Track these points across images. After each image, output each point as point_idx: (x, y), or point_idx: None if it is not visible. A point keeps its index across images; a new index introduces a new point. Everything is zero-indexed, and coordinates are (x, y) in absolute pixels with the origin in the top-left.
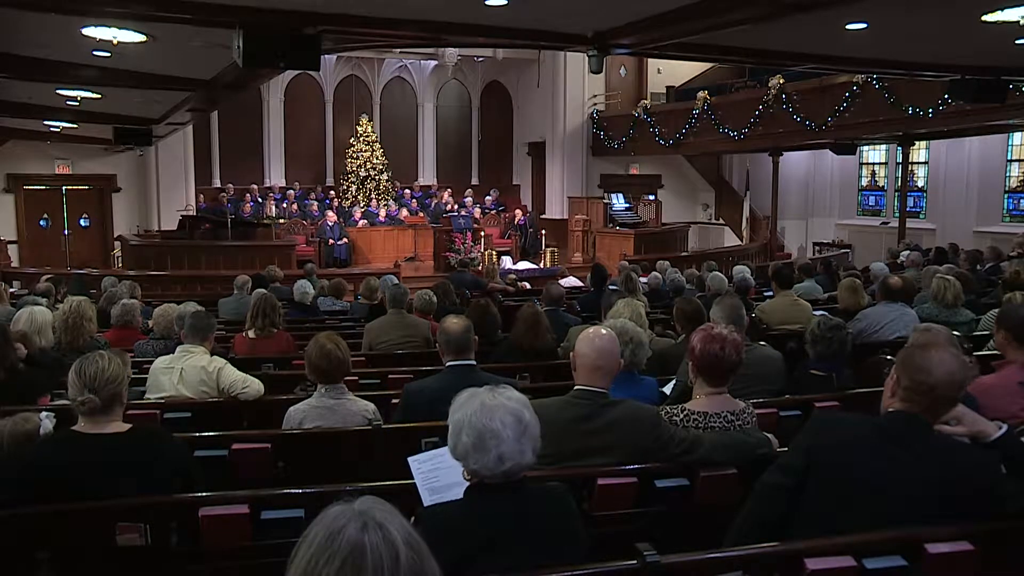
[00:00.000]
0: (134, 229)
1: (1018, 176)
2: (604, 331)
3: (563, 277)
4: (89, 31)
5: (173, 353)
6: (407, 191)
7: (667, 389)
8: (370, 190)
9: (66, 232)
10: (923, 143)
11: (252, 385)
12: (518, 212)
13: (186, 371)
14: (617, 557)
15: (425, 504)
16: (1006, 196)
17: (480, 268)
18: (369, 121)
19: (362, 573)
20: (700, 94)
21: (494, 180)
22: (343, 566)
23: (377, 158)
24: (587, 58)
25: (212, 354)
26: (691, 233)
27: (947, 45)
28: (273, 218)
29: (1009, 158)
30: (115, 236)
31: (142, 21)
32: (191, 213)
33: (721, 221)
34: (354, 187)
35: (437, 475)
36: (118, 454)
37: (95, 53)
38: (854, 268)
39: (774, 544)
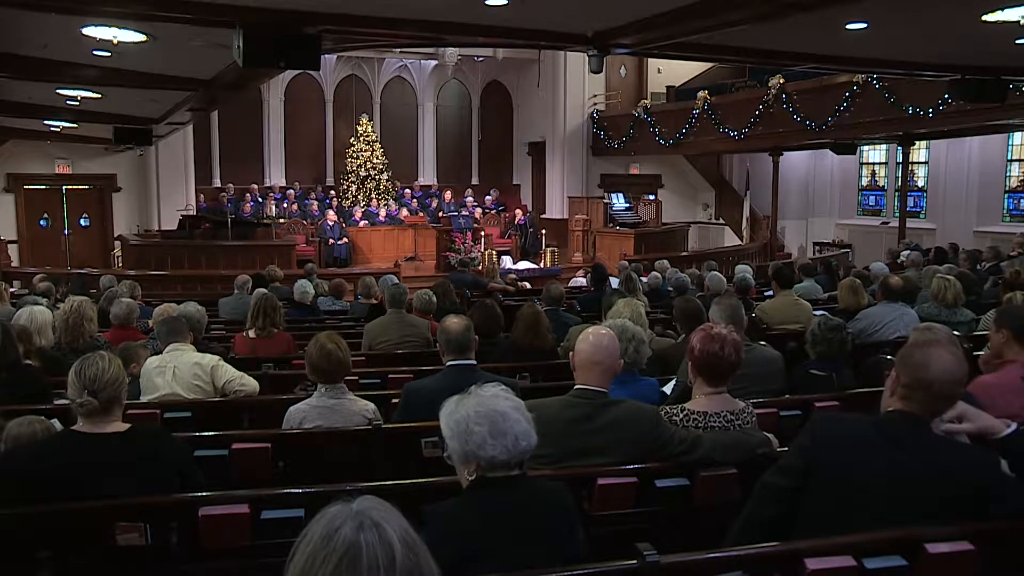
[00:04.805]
0: (134, 229)
1: (1018, 176)
2: (603, 330)
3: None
4: (89, 31)
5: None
6: (407, 191)
7: (667, 389)
8: (370, 190)
9: (66, 232)
10: (923, 143)
11: (249, 382)
12: (518, 212)
13: (179, 368)
14: (617, 557)
15: None
16: (1006, 196)
17: (480, 268)
18: (369, 121)
19: (357, 573)
20: (700, 94)
21: (494, 180)
22: (339, 565)
23: (377, 158)
24: (587, 58)
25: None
26: (691, 233)
27: (947, 45)
28: (273, 218)
29: (1009, 158)
30: (115, 236)
31: (142, 21)
32: (191, 213)
33: (721, 221)
34: (354, 187)
35: None
36: (118, 454)
37: (95, 53)
38: (854, 268)
39: (774, 544)
